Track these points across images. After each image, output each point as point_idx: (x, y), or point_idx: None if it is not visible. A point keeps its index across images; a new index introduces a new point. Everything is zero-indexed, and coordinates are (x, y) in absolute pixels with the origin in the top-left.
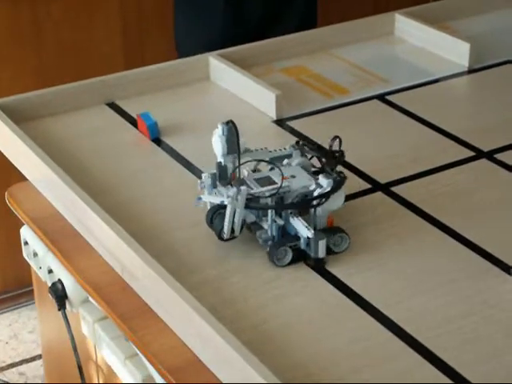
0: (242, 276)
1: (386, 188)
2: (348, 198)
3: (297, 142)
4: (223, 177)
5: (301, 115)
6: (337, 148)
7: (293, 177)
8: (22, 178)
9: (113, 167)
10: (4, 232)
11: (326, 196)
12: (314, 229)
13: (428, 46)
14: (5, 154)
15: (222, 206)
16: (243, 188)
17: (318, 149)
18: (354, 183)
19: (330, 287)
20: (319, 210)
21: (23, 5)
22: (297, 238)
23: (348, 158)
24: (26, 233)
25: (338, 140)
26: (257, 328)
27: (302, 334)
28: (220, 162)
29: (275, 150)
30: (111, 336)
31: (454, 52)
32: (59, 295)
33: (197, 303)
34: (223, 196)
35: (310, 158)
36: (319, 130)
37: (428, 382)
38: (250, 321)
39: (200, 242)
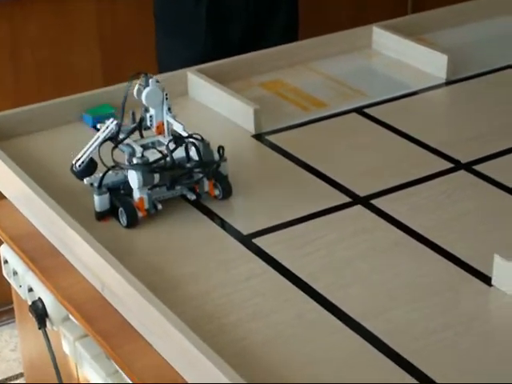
0: (224, 291)
1: (365, 201)
2: (327, 211)
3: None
4: None
5: (279, 129)
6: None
7: None
8: (1, 196)
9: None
10: None
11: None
12: None
13: (405, 58)
14: None
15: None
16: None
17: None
18: (333, 197)
19: (311, 301)
20: None
21: (0, 23)
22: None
23: (327, 171)
24: (5, 251)
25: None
26: (238, 343)
27: (282, 348)
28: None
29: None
30: (92, 354)
31: (431, 64)
32: (39, 313)
33: (177, 320)
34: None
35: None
36: (298, 144)
37: None
38: (232, 336)
39: (181, 257)
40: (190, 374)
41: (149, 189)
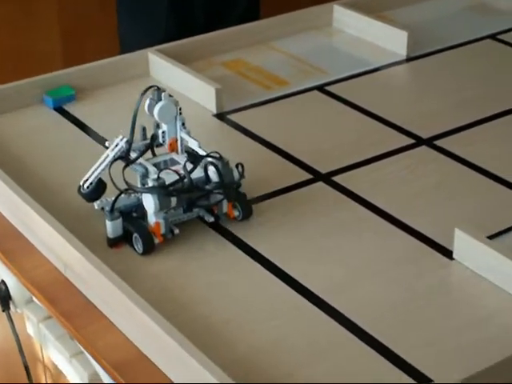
0: (185, 270)
1: (327, 178)
2: (289, 188)
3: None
4: None
5: (241, 108)
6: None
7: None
8: None
9: (55, 166)
10: None
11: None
12: None
13: (366, 35)
14: None
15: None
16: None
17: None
18: (295, 174)
19: (273, 277)
20: None
21: None
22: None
23: (289, 149)
24: None
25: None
26: (198, 320)
27: (245, 326)
28: None
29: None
30: (56, 335)
31: (391, 41)
32: (3, 296)
33: (138, 298)
34: None
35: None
36: (260, 123)
37: (373, 369)
38: (193, 313)
39: None
40: (152, 351)
41: (165, 212)
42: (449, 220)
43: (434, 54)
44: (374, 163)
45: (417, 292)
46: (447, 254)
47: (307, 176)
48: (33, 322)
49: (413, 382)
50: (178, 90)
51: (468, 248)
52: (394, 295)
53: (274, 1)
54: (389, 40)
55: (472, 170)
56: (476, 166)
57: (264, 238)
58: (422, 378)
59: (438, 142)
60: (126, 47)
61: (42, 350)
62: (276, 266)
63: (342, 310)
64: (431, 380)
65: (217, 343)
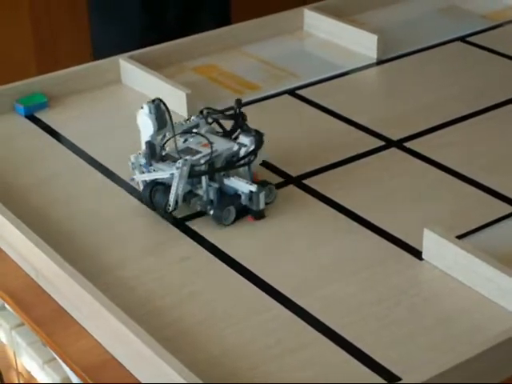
0: (156, 274)
1: (298, 181)
2: None
3: (201, 112)
4: (154, 154)
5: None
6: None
7: (212, 143)
8: None
9: (26, 172)
10: None
11: (254, 152)
12: None
13: (337, 39)
14: None
15: (158, 183)
16: (189, 158)
17: (223, 114)
18: (267, 177)
19: (244, 280)
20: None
21: None
22: (235, 196)
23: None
24: None
25: (238, 102)
26: (171, 325)
27: (215, 328)
28: (149, 141)
29: (184, 122)
30: (29, 342)
31: (362, 45)
32: None
33: (110, 303)
34: (166, 170)
35: (211, 123)
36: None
37: (343, 368)
38: (166, 318)
39: (114, 243)
40: (123, 355)
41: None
42: (418, 221)
43: (404, 57)
44: (345, 165)
45: (386, 292)
46: (417, 254)
47: (278, 179)
48: (5, 329)
49: (382, 381)
50: (149, 96)
51: (437, 248)
52: (364, 296)
53: (244, 6)
54: (359, 43)
55: (441, 171)
56: (445, 167)
57: (234, 240)
58: (392, 376)
59: (407, 144)
60: (99, 52)
61: (15, 356)
62: (245, 268)
63: (311, 311)
64: (400, 379)
65: (188, 346)
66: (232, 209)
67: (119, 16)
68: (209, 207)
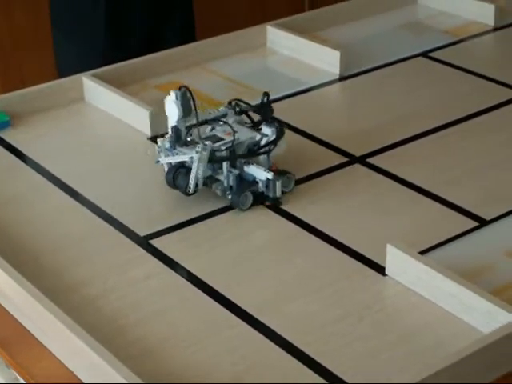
0: (121, 292)
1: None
2: (224, 210)
3: (229, 103)
4: (179, 139)
5: None
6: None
7: (236, 132)
8: None
9: None
10: None
11: (274, 142)
12: None
13: (300, 56)
14: None
15: (181, 166)
16: (208, 143)
17: (250, 105)
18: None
19: (207, 298)
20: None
21: None
22: (253, 183)
23: None
24: None
25: (267, 95)
26: (134, 343)
27: (179, 345)
28: (175, 126)
29: (213, 111)
30: None
31: (324, 61)
32: None
33: (71, 322)
34: (188, 154)
35: (240, 114)
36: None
37: None
38: (130, 336)
39: (79, 262)
40: (88, 375)
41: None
42: (381, 236)
43: (367, 73)
44: (308, 182)
45: (350, 308)
46: (380, 270)
47: None
48: None
49: None
50: (112, 114)
51: (399, 263)
52: (328, 312)
53: (208, 22)
54: (322, 60)
55: (404, 186)
56: (408, 182)
57: (196, 257)
58: None
59: (370, 160)
60: (63, 71)
61: None
62: (208, 286)
63: (274, 328)
64: None
65: (153, 365)
66: (249, 194)
67: (82, 34)
68: (228, 192)
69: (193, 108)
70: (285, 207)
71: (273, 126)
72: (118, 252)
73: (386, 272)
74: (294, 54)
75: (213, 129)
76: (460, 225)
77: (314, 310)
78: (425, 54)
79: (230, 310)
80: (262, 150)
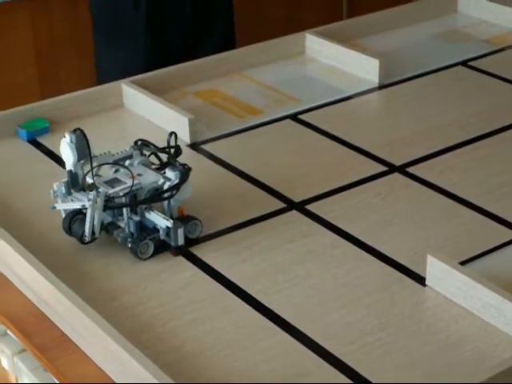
0: (161, 300)
1: (300, 206)
2: (263, 217)
3: (135, 143)
4: (75, 184)
5: (215, 138)
6: (172, 143)
7: (139, 175)
8: None
9: (28, 199)
10: None
11: (177, 187)
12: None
13: (339, 64)
14: None
15: (78, 212)
16: (102, 190)
17: (156, 147)
18: (268, 203)
19: (247, 307)
20: (172, 201)
21: None
22: (155, 230)
23: (262, 178)
24: None
25: (174, 135)
26: (172, 351)
27: (217, 354)
28: (71, 170)
29: (116, 153)
30: (31, 368)
31: (364, 69)
32: None
33: (112, 329)
34: (82, 201)
35: (149, 156)
36: (233, 152)
37: None
38: (167, 344)
39: (117, 270)
40: (124, 380)
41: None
42: (421, 246)
43: (406, 82)
44: (347, 191)
45: (389, 319)
46: (420, 280)
47: (281, 205)
48: (7, 356)
49: None
50: (152, 121)
51: (440, 274)
52: (367, 322)
53: (247, 30)
54: (361, 68)
55: (444, 196)
56: (448, 192)
57: (237, 266)
58: None
59: (409, 169)
60: (103, 72)
61: (17, 382)
62: (249, 295)
63: (313, 337)
64: None
65: (190, 373)
66: (150, 243)
67: (123, 36)
68: (129, 240)
69: (87, 151)
70: (324, 216)
71: (176, 170)
72: (157, 259)
73: (427, 282)
74: (333, 62)
75: (116, 171)
76: (501, 235)
77: (354, 320)
78: (464, 63)
79: (269, 319)
80: (165, 195)
